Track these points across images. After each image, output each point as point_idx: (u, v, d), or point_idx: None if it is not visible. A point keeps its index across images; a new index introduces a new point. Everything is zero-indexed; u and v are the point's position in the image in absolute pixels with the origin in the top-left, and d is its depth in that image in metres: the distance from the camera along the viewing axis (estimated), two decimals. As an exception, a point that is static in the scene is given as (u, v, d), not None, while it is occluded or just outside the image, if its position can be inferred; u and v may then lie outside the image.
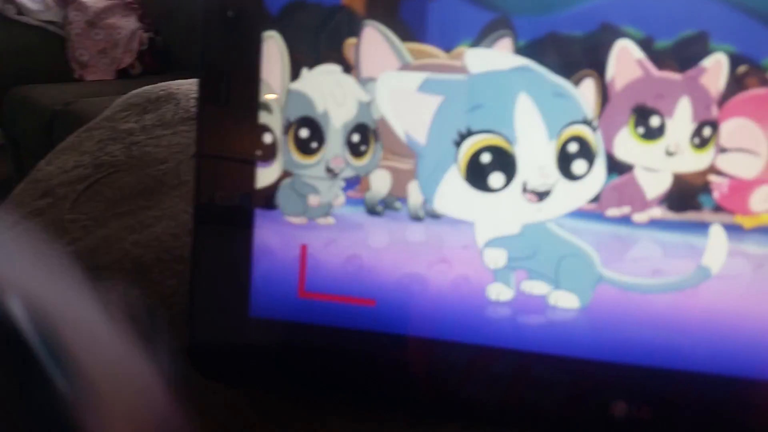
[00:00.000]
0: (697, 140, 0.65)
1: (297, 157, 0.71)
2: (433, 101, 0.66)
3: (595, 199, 0.67)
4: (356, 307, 0.71)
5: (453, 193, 0.68)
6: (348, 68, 0.69)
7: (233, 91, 0.72)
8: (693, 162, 0.65)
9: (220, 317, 0.73)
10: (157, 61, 3.13)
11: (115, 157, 1.03)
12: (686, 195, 0.66)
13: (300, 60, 0.70)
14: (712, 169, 0.65)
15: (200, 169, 0.73)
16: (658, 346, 0.68)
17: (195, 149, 0.74)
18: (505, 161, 0.65)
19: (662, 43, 0.64)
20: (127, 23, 2.65)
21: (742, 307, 0.66)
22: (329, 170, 0.71)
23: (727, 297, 0.66)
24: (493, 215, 0.68)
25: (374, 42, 0.68)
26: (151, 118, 1.08)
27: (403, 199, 0.70)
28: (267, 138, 0.72)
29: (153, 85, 1.20)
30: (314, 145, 0.71)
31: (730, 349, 0.66)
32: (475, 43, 0.67)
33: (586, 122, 0.65)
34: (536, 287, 0.69)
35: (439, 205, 0.68)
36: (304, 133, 0.71)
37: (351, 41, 0.69)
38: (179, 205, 0.94)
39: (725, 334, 0.66)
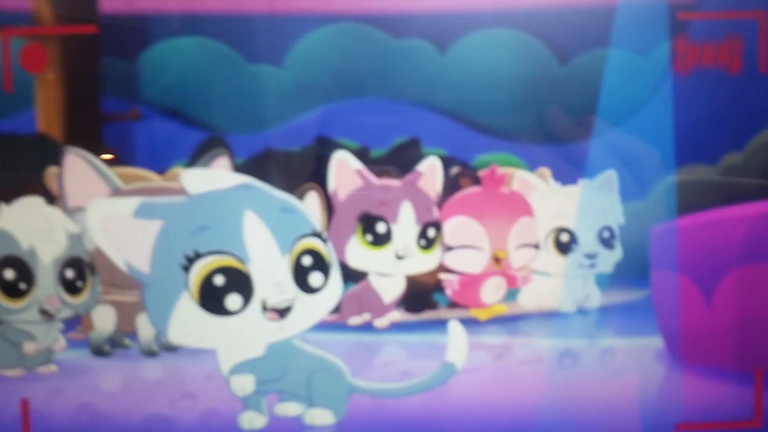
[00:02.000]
0: (423, 242, 0.67)
1: (4, 301, 0.63)
2: (151, 226, 0.61)
3: (336, 310, 0.66)
4: None
5: (188, 321, 0.62)
6: (52, 199, 0.64)
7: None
8: (422, 263, 0.67)
9: None
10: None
11: None
12: (421, 295, 0.69)
13: None
14: (442, 268, 0.68)
15: None
16: None
17: None
18: (240, 281, 0.61)
19: (378, 151, 0.68)
20: None
21: (491, 397, 0.67)
22: (44, 312, 0.63)
23: (475, 389, 0.67)
24: (235, 339, 0.63)
25: (78, 169, 0.63)
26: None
27: (133, 335, 0.66)
28: None
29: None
30: (23, 286, 0.63)
31: None
32: (191, 163, 0.65)
33: (316, 234, 0.64)
34: (290, 409, 0.65)
35: (175, 335, 0.62)
36: (9, 274, 0.63)
37: (53, 170, 0.64)
38: None
39: (480, 427, 0.66)
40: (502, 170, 0.66)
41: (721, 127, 0.66)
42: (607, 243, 0.67)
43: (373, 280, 0.67)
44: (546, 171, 0.67)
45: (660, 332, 0.67)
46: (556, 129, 0.64)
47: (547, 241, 0.68)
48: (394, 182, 0.65)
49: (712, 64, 0.63)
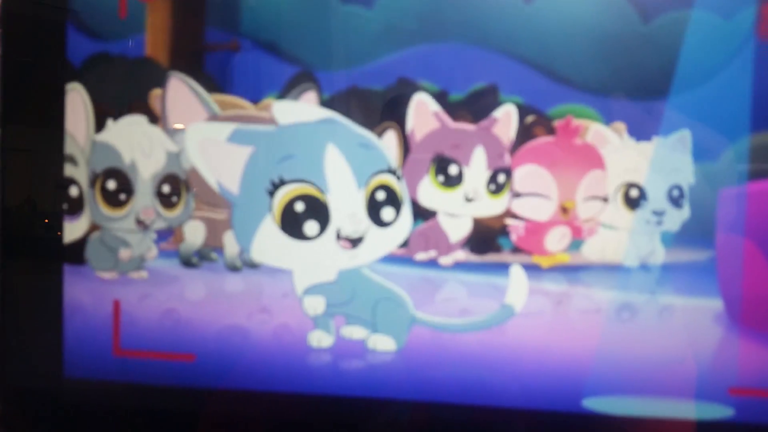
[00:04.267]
0: (492, 186, 0.67)
1: (105, 209, 0.68)
2: (243, 151, 0.64)
3: (404, 244, 0.67)
4: (176, 363, 0.68)
5: (269, 242, 0.65)
6: (154, 119, 0.67)
7: (37, 144, 0.68)
8: (490, 207, 0.67)
9: (34, 379, 0.69)
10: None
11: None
12: (486, 238, 0.68)
13: (105, 111, 0.67)
14: (509, 213, 0.67)
15: (5, 223, 0.68)
16: (470, 385, 0.68)
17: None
18: (318, 210, 0.64)
19: (456, 96, 0.66)
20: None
21: (546, 343, 0.67)
22: (139, 222, 0.67)
23: (531, 333, 0.68)
24: (310, 263, 0.66)
25: (180, 93, 0.66)
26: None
27: (220, 250, 0.67)
28: (73, 191, 0.68)
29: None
30: (122, 197, 0.68)
31: (538, 384, 0.68)
32: (282, 95, 0.66)
33: (391, 171, 0.66)
34: (355, 332, 0.68)
35: (257, 254, 0.66)
36: (111, 184, 0.68)
37: (156, 92, 0.66)
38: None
39: (533, 370, 0.67)
40: (577, 121, 0.65)
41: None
42: (675, 201, 0.66)
43: (442, 220, 0.68)
44: (621, 125, 0.66)
45: (721, 295, 0.66)
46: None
47: (616, 195, 0.67)
48: (469, 127, 0.66)
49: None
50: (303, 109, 0.64)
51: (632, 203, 0.67)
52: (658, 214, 0.67)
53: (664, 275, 0.67)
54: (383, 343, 0.67)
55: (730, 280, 0.66)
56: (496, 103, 0.65)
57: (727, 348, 0.66)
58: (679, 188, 0.66)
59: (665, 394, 0.67)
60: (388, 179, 0.65)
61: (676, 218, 0.66)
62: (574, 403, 0.65)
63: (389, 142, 0.66)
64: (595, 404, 0.66)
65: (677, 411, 0.66)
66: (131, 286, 0.66)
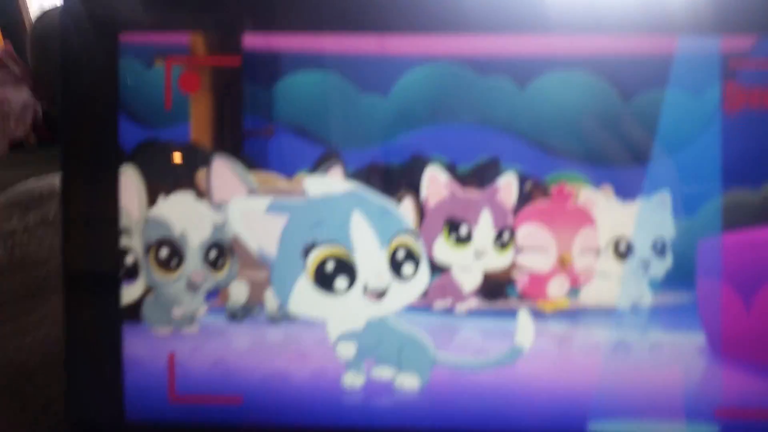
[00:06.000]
0: (499, 243, 0.68)
1: (159, 274, 0.68)
2: (279, 220, 0.64)
3: (423, 295, 0.67)
4: (225, 406, 0.68)
5: (304, 297, 0.65)
6: (200, 195, 0.66)
7: (95, 219, 0.68)
8: (497, 261, 0.68)
9: (98, 422, 0.69)
10: (52, 132, 2.66)
11: (-4, 260, 0.76)
12: (495, 288, 0.69)
13: (156, 189, 0.67)
14: (514, 266, 0.68)
15: (68, 289, 0.68)
16: (486, 415, 0.69)
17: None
18: (346, 267, 0.64)
19: (463, 167, 0.67)
20: (19, 95, 2.24)
21: (552, 377, 0.68)
22: (190, 285, 0.68)
23: (539, 369, 0.68)
24: (341, 314, 0.66)
25: (223, 172, 0.66)
26: (34, 217, 0.94)
27: (261, 305, 0.67)
28: (129, 259, 0.67)
29: (37, 180, 1.01)
30: (174, 263, 0.67)
31: (547, 411, 0.69)
32: (312, 171, 0.66)
33: (410, 233, 0.65)
34: (383, 372, 0.67)
35: (294, 308, 0.65)
36: (163, 253, 0.67)
37: (202, 172, 0.66)
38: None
39: (541, 402, 0.68)
40: (569, 186, 0.67)
41: (765, 157, 0.67)
42: (660, 252, 0.68)
43: (455, 273, 0.69)
44: (608, 188, 0.68)
45: (703, 330, 0.68)
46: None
47: (607, 248, 0.69)
48: (476, 193, 0.67)
49: (759, 106, 0.66)
50: (330, 183, 0.65)
51: (621, 255, 0.68)
52: (645, 263, 0.68)
53: (653, 316, 0.68)
54: (408, 382, 0.68)
55: (710, 319, 0.68)
56: (498, 173, 0.65)
57: (711, 375, 0.66)
58: (662, 241, 0.67)
59: (659, 416, 0.67)
60: (407, 240, 0.65)
61: (661, 266, 0.68)
62: (579, 426, 0.65)
63: (407, 207, 0.66)
64: (597, 426, 0.67)
65: (671, 431, 0.66)
66: (184, 340, 0.65)
